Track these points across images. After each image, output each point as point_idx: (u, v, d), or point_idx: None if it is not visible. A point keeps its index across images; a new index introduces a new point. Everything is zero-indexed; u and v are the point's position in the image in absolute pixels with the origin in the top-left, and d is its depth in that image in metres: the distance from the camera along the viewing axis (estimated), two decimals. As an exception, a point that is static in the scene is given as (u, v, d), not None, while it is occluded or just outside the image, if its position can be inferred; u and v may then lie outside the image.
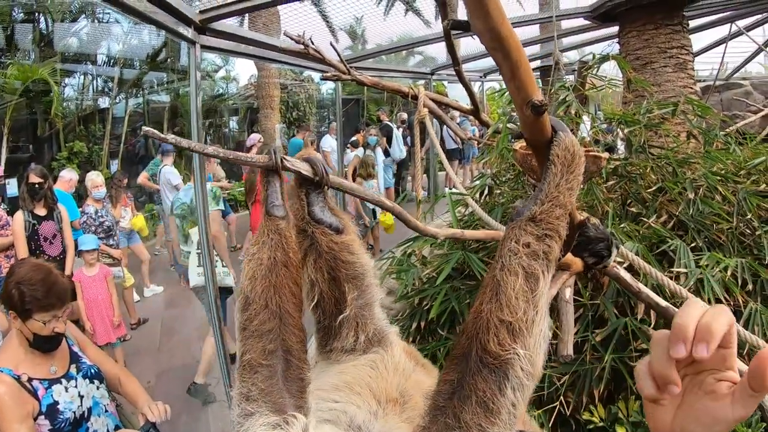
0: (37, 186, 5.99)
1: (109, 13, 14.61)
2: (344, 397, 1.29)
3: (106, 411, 2.86)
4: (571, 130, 3.51)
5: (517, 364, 1.01)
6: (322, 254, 1.39)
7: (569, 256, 1.54)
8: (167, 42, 15.09)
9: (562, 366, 2.70)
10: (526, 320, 1.03)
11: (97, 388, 2.85)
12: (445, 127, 8.19)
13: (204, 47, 4.21)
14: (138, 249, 8.52)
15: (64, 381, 2.66)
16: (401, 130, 13.57)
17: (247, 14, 12.43)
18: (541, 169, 1.18)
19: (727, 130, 4.14)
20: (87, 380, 2.79)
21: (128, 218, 8.30)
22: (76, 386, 2.71)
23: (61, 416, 2.57)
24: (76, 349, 2.89)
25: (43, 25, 14.33)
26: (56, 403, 2.57)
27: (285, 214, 1.30)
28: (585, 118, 3.54)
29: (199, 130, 4.09)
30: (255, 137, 10.24)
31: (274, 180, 1.32)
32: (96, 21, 14.70)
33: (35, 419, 2.50)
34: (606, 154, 1.99)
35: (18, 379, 2.50)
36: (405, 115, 14.90)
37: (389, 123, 12.99)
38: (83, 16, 14.48)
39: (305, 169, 1.36)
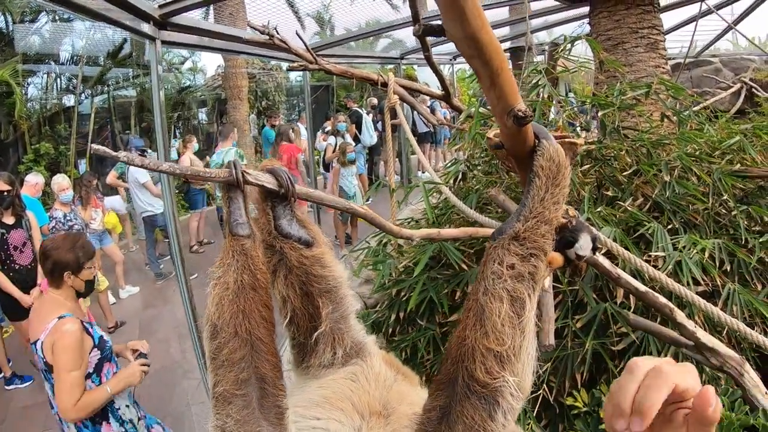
0: (4, 194, 5.75)
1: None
2: (326, 414, 1.25)
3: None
4: (544, 114, 3.48)
5: (507, 390, 0.99)
6: (292, 270, 1.32)
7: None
8: (131, 37, 14.67)
9: (544, 354, 2.69)
10: (513, 347, 0.99)
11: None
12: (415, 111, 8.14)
13: (165, 43, 4.07)
14: (110, 250, 8.33)
15: (92, 324, 3.37)
16: (371, 115, 13.45)
17: (212, 7, 12.15)
18: (523, 181, 1.11)
19: (697, 107, 4.14)
20: (97, 326, 3.44)
21: (99, 219, 8.09)
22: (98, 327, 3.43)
23: (107, 344, 3.29)
24: None
25: (2, 25, 13.83)
26: (102, 335, 3.29)
27: (250, 233, 1.22)
28: (554, 101, 3.51)
29: (164, 126, 3.97)
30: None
31: (236, 196, 1.22)
32: (57, 18, 14.20)
33: (89, 353, 3.15)
34: (582, 140, 1.96)
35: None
36: (375, 100, 14.77)
37: (358, 109, 12.85)
38: (43, 13, 13.97)
39: (269, 182, 1.26)
